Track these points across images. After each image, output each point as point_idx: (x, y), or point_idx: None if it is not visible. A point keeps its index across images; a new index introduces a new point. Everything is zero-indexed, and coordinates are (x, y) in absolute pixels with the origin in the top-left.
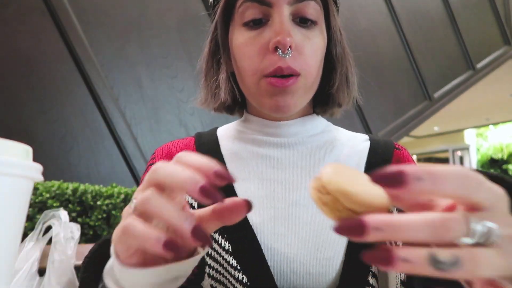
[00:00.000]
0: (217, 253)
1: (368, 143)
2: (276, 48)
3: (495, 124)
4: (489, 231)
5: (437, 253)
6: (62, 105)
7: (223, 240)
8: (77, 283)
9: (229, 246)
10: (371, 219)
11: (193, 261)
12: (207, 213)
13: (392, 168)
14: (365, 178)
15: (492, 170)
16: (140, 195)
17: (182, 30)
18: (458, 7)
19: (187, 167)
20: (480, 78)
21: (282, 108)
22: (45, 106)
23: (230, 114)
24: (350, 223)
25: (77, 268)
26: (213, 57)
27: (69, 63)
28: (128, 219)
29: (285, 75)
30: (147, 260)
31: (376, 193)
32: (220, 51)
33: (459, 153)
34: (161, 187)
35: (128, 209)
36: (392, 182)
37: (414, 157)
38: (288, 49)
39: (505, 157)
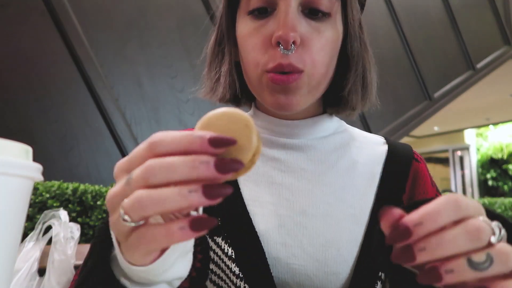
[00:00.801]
0: (220, 258)
1: (386, 148)
2: (278, 43)
3: (495, 124)
4: (500, 228)
5: (472, 257)
6: (62, 105)
7: (226, 246)
8: None
9: (232, 252)
10: (421, 245)
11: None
12: None
13: (396, 227)
14: (222, 123)
15: (492, 170)
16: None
17: (182, 30)
18: (458, 7)
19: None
20: (480, 78)
21: (283, 106)
22: (45, 106)
23: (237, 106)
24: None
25: (77, 268)
26: (219, 46)
27: (69, 63)
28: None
29: (286, 71)
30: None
31: (238, 132)
32: (225, 39)
33: (459, 153)
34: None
35: (115, 198)
36: (401, 237)
37: None
38: (291, 45)
39: (505, 157)
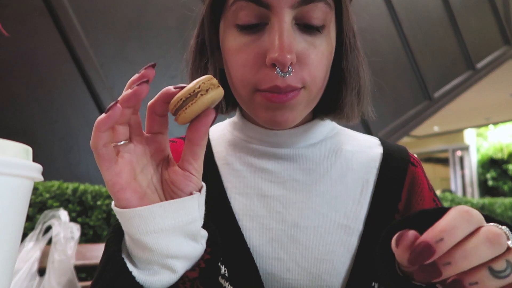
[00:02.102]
0: None
1: (380, 151)
2: (274, 65)
3: (495, 124)
4: (509, 232)
5: (492, 266)
6: (62, 105)
7: (219, 264)
8: (77, 283)
9: (225, 271)
10: (445, 259)
11: (192, 201)
12: (185, 148)
13: (417, 245)
14: None
15: (492, 170)
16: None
17: (182, 30)
18: (458, 7)
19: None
20: (480, 78)
21: (279, 123)
22: (45, 106)
23: (223, 114)
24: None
25: (77, 268)
26: (201, 57)
27: (69, 63)
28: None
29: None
30: (143, 198)
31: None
32: (208, 52)
33: (459, 153)
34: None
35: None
36: (425, 256)
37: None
38: (288, 67)
39: (505, 157)
